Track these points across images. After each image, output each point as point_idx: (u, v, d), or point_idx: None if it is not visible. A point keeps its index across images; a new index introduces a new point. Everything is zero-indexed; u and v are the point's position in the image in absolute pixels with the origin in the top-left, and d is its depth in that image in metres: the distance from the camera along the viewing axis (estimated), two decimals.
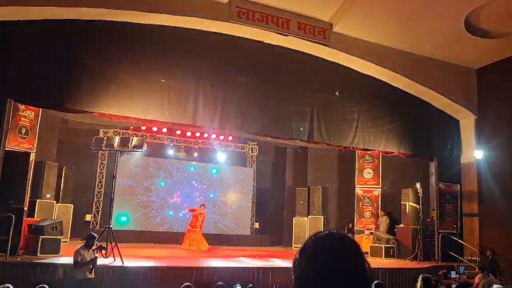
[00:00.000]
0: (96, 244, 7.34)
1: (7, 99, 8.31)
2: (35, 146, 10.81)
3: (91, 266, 6.98)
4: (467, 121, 12.81)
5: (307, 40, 10.42)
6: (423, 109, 12.42)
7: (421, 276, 6.89)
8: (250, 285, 6.02)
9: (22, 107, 10.27)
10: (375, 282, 6.62)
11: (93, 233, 7.79)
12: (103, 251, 7.61)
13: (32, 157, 10.39)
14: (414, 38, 11.10)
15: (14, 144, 10.07)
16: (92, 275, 7.03)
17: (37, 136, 10.87)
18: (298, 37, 10.33)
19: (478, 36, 10.78)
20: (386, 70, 11.48)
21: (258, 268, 8.99)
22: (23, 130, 10.43)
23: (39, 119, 10.94)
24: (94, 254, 7.17)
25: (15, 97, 8.58)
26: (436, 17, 10.10)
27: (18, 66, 8.20)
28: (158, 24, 9.41)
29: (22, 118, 10.39)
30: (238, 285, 6.21)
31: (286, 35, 10.21)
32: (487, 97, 12.47)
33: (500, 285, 7.39)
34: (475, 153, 12.35)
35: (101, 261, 7.48)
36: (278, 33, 10.14)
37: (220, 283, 5.57)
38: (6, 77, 8.11)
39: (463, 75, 12.58)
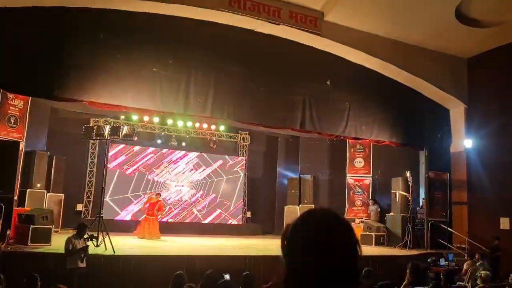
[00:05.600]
0: (87, 234, 7.33)
1: None
2: (25, 135, 10.71)
3: (82, 255, 6.98)
4: (457, 111, 12.90)
5: (298, 29, 10.39)
6: (414, 98, 12.48)
7: (410, 263, 6.96)
8: (246, 272, 6.05)
9: (10, 95, 10.15)
10: (365, 269, 6.70)
11: (84, 222, 7.79)
12: (94, 240, 7.60)
13: (22, 146, 10.30)
14: (405, 27, 11.11)
15: (3, 133, 9.98)
16: (84, 264, 7.03)
17: (26, 125, 10.77)
18: (289, 26, 10.29)
19: (469, 25, 10.81)
20: (377, 59, 11.50)
21: (250, 257, 9.04)
22: (12, 119, 10.33)
23: (29, 108, 10.83)
24: (85, 243, 7.16)
25: (3, 86, 8.48)
26: (427, 7, 10.11)
27: (6, 54, 8.07)
28: (149, 12, 9.31)
29: (11, 107, 10.27)
30: (227, 274, 6.23)
31: (277, 24, 10.17)
32: (477, 87, 12.56)
33: (487, 272, 7.50)
34: (464, 142, 12.46)
35: (92, 250, 7.47)
36: (269, 22, 10.09)
37: (209, 271, 5.60)
38: None
39: (454, 64, 12.64)
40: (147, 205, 12.45)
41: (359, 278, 1.09)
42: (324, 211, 1.15)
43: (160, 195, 13.05)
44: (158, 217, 12.50)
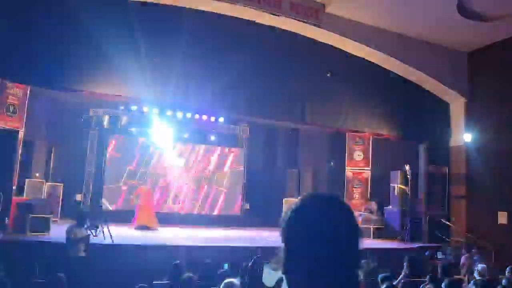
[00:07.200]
0: (88, 223, 7.34)
1: None
2: (24, 124, 10.67)
3: (83, 244, 7.01)
4: (457, 104, 12.88)
5: (299, 20, 10.33)
6: (414, 92, 12.46)
7: (407, 256, 6.99)
8: (258, 255, 6.08)
9: (10, 84, 10.09)
10: (363, 261, 6.72)
11: (84, 212, 7.81)
12: (94, 229, 7.62)
13: (21, 135, 10.27)
14: (407, 20, 11.06)
15: (2, 122, 9.93)
16: (83, 253, 7.06)
17: (25, 114, 10.72)
18: (290, 18, 10.23)
19: (470, 19, 10.75)
20: (378, 52, 11.47)
21: (248, 248, 9.07)
22: (11, 108, 10.27)
23: (28, 97, 10.78)
24: (86, 232, 7.18)
25: (2, 74, 8.44)
26: None
27: (5, 43, 8.02)
28: (149, 1, 9.26)
29: (10, 96, 10.21)
30: (225, 264, 6.28)
31: (278, 15, 10.11)
32: (477, 81, 12.53)
33: (484, 265, 7.53)
34: (464, 136, 12.45)
35: (91, 239, 7.50)
36: (270, 13, 10.03)
37: (208, 261, 5.62)
38: None
39: (455, 58, 12.60)
40: (138, 194, 12.40)
41: (360, 263, 1.07)
42: (324, 195, 1.12)
43: (148, 182, 12.90)
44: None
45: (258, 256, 6.36)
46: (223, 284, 4.08)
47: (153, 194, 12.62)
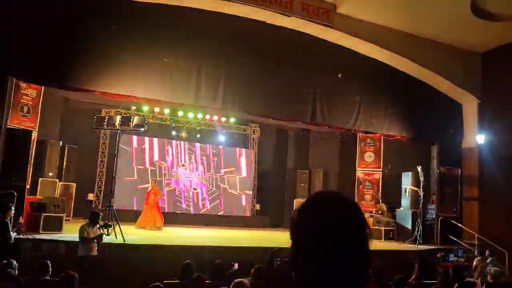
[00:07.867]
0: (100, 223, 7.39)
1: (8, 76, 8.29)
2: (37, 124, 10.82)
3: (96, 243, 7.06)
4: (470, 105, 12.73)
5: (310, 21, 10.31)
6: (426, 92, 12.34)
7: (418, 257, 6.94)
8: (274, 249, 6.17)
9: (23, 85, 10.23)
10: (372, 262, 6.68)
11: (97, 211, 7.87)
12: (108, 228, 7.67)
13: (34, 135, 10.40)
14: (419, 20, 10.96)
15: (15, 122, 10.07)
16: (95, 252, 7.11)
17: (39, 114, 10.87)
18: (301, 18, 10.21)
19: (483, 19, 10.63)
20: (389, 52, 11.38)
21: (258, 248, 9.07)
22: (25, 109, 10.42)
23: (41, 97, 10.92)
24: (99, 231, 7.23)
25: (16, 74, 8.55)
26: None
27: (19, 43, 8.14)
28: (161, 3, 9.31)
29: (24, 96, 10.36)
30: (235, 264, 6.31)
31: (289, 16, 10.11)
32: (491, 81, 12.37)
33: (497, 268, 7.44)
34: (477, 138, 12.31)
35: (103, 238, 7.55)
36: (281, 14, 10.03)
37: (218, 261, 5.64)
38: (6, 54, 8.05)
39: (468, 58, 12.46)
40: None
41: (368, 261, 1.06)
42: (331, 193, 1.11)
43: (155, 181, 13.02)
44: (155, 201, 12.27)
45: (273, 251, 6.48)
46: (233, 283, 4.10)
47: (160, 193, 12.67)
